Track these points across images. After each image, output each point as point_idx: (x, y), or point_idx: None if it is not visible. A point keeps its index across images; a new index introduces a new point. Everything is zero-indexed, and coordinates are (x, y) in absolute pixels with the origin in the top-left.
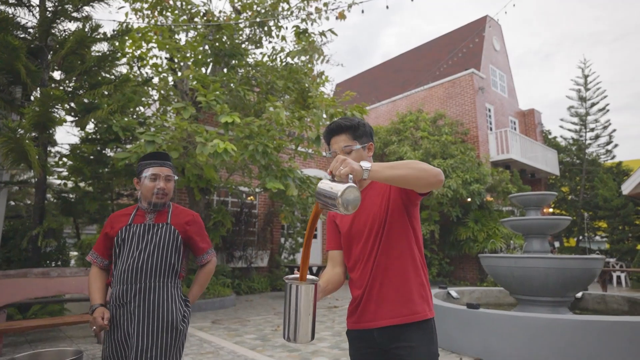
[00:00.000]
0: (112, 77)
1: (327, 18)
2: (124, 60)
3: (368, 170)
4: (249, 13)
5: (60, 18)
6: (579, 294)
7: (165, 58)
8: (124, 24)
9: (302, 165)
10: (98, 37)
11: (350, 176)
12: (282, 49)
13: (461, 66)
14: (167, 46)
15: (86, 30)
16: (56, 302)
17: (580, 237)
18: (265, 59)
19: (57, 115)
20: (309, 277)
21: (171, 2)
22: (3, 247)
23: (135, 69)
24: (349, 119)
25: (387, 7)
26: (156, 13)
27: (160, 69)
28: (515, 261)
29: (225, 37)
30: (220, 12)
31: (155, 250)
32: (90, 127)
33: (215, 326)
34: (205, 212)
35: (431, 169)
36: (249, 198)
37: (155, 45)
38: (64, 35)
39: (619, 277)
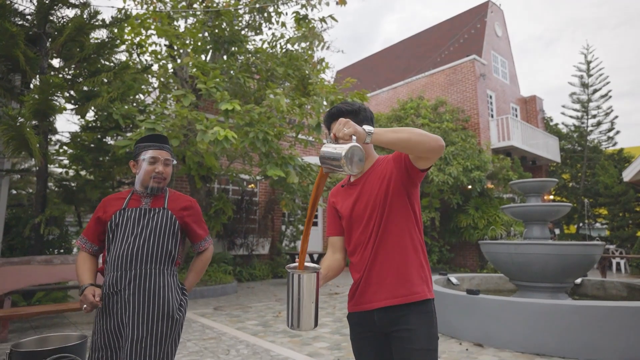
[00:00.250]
0: (112, 64)
1: (327, 4)
2: (123, 47)
3: (371, 133)
4: None
5: (58, 4)
6: (579, 280)
7: (165, 45)
8: (123, 11)
9: (302, 152)
10: (97, 24)
11: (354, 137)
12: (282, 36)
13: (463, 52)
14: (167, 33)
15: (85, 17)
16: (60, 289)
17: (581, 224)
18: (265, 45)
19: (57, 103)
20: (311, 265)
21: None
22: (6, 235)
23: (135, 56)
24: (350, 104)
25: None
26: None
27: (159, 56)
28: (515, 248)
29: (224, 24)
30: None
31: (151, 235)
32: (90, 115)
33: (218, 312)
34: (207, 200)
35: (432, 134)
36: (249, 186)
37: (154, 32)
38: (62, 22)
39: (618, 264)
